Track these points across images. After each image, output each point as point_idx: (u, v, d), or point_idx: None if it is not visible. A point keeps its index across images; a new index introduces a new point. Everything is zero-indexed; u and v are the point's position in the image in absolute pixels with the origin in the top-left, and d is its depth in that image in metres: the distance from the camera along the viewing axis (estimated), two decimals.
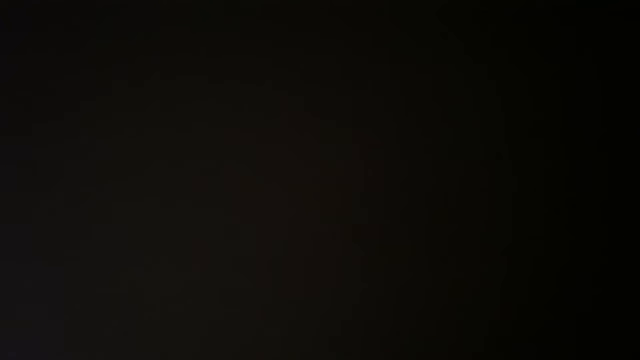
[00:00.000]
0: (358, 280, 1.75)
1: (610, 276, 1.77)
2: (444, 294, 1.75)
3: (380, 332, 1.75)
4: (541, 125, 1.78)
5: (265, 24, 1.78)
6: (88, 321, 1.73)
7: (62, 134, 1.76)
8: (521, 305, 1.76)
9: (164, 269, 1.74)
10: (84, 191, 1.75)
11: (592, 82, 1.79)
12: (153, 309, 1.73)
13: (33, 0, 1.77)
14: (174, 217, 1.75)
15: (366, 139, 1.77)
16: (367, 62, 1.78)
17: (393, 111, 1.78)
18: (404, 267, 1.76)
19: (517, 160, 1.78)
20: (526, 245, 1.76)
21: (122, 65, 1.77)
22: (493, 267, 1.76)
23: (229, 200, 1.75)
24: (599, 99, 1.79)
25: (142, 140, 1.76)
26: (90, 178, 1.75)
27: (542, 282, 1.76)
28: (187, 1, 1.78)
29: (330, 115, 1.78)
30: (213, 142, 1.76)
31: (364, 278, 1.75)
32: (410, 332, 1.75)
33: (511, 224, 1.77)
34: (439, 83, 1.78)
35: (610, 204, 1.77)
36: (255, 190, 1.76)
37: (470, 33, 1.79)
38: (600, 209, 1.77)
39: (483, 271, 1.76)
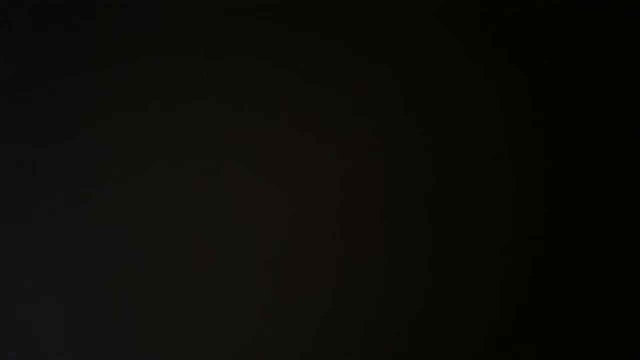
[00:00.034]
0: (358, 280, 1.75)
1: (610, 276, 1.77)
2: (444, 294, 1.75)
3: (380, 332, 1.75)
4: (541, 125, 1.78)
5: (265, 24, 1.78)
6: (88, 321, 1.73)
7: (62, 134, 1.76)
8: (521, 305, 1.76)
9: (164, 269, 1.74)
10: (84, 191, 1.75)
11: (592, 82, 1.79)
12: (153, 309, 1.73)
13: (33, 0, 1.77)
14: (174, 217, 1.75)
15: (366, 139, 1.77)
16: (367, 62, 1.78)
17: (393, 111, 1.78)
18: (404, 267, 1.76)
19: (517, 160, 1.78)
20: (526, 245, 1.76)
21: (122, 65, 1.77)
22: (493, 267, 1.76)
23: (229, 200, 1.75)
24: (599, 99, 1.79)
25: (142, 140, 1.76)
26: (90, 178, 1.75)
27: (542, 282, 1.76)
28: (187, 1, 1.78)
29: (330, 115, 1.78)
30: (213, 142, 1.76)
31: (364, 278, 1.75)
32: (410, 332, 1.75)
33: (511, 224, 1.77)
34: (439, 83, 1.78)
35: (610, 204, 1.77)
36: (255, 190, 1.76)
37: (470, 33, 1.79)
38: (600, 209, 1.77)
39: (483, 271, 1.76)
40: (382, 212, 1.76)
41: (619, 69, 1.79)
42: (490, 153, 1.78)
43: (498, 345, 1.75)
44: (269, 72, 1.78)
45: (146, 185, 1.75)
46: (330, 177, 1.77)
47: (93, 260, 1.74)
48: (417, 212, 1.76)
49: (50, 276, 1.73)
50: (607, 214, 1.77)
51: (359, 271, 1.75)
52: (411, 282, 1.76)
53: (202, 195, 1.75)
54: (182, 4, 1.78)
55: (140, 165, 1.76)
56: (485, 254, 1.76)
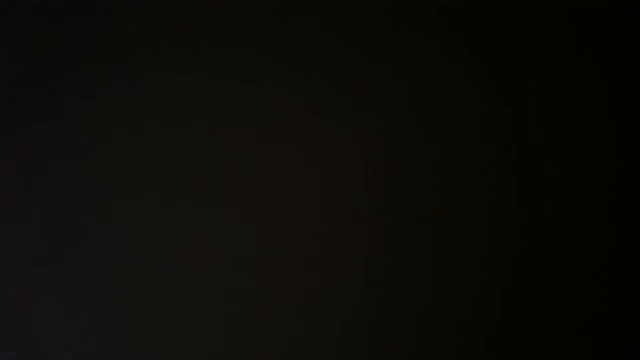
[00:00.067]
0: (358, 280, 1.75)
1: (611, 276, 1.76)
2: (444, 294, 1.75)
3: (380, 332, 1.75)
4: (541, 125, 1.78)
5: (265, 24, 1.78)
6: (88, 321, 1.73)
7: (62, 134, 1.76)
8: (521, 305, 1.75)
9: (164, 269, 1.74)
10: (84, 191, 1.75)
11: (592, 82, 1.79)
12: (153, 309, 1.73)
13: (33, 0, 1.77)
14: (174, 217, 1.75)
15: (366, 139, 1.77)
16: (367, 62, 1.78)
17: (393, 111, 1.78)
18: (404, 267, 1.76)
19: (517, 160, 1.78)
20: (526, 245, 1.76)
21: (122, 65, 1.77)
22: (493, 267, 1.76)
23: (229, 200, 1.75)
24: (599, 99, 1.79)
25: (142, 140, 1.76)
26: (90, 178, 1.75)
27: (542, 282, 1.76)
28: (187, 1, 1.78)
29: (330, 115, 1.78)
30: (213, 142, 1.76)
31: (364, 278, 1.75)
32: (410, 332, 1.75)
33: (511, 223, 1.77)
34: (439, 83, 1.78)
35: (610, 204, 1.77)
36: (255, 190, 1.76)
37: (470, 33, 1.79)
38: (601, 209, 1.77)
39: (483, 271, 1.76)
40: (382, 212, 1.76)
41: (619, 69, 1.79)
42: (490, 153, 1.78)
43: (498, 345, 1.75)
44: (269, 72, 1.78)
45: (146, 185, 1.75)
46: (330, 177, 1.77)
47: (93, 260, 1.74)
48: (417, 212, 1.76)
49: (50, 276, 1.73)
50: (608, 214, 1.77)
51: (359, 271, 1.75)
52: (411, 282, 1.75)
53: (202, 195, 1.75)
54: (182, 4, 1.78)
55: (140, 165, 1.76)
56: (485, 254, 1.76)
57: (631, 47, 1.79)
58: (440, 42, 1.79)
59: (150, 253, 1.74)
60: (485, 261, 1.76)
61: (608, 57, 1.79)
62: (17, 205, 1.74)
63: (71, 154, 1.75)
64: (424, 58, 1.79)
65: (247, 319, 1.74)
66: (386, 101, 1.78)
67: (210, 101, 1.77)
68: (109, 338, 1.73)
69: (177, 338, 1.73)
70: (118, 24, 1.77)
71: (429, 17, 1.79)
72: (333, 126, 1.77)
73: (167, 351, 1.73)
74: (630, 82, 1.79)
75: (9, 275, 1.73)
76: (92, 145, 1.76)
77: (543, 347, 1.75)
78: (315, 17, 1.78)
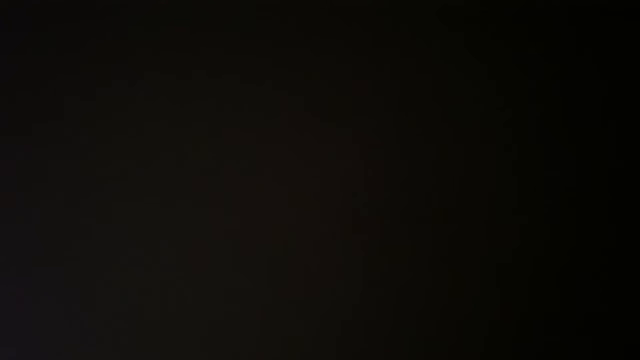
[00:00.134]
0: (358, 280, 1.75)
1: (611, 276, 1.76)
2: (444, 294, 1.75)
3: (380, 332, 1.75)
4: (541, 125, 1.78)
5: (265, 24, 1.78)
6: (88, 321, 1.73)
7: (62, 134, 1.76)
8: (521, 305, 1.76)
9: (164, 269, 1.74)
10: (84, 191, 1.75)
11: (592, 82, 1.79)
12: (153, 309, 1.73)
13: (33, 0, 1.77)
14: (174, 217, 1.75)
15: (366, 139, 1.77)
16: (367, 62, 1.78)
17: (393, 111, 1.78)
18: (404, 267, 1.76)
19: (517, 160, 1.78)
20: (526, 245, 1.76)
21: (122, 65, 1.77)
22: (493, 267, 1.76)
23: (229, 200, 1.75)
24: (599, 99, 1.79)
25: (142, 140, 1.76)
26: (90, 178, 1.75)
27: (542, 282, 1.76)
28: (187, 1, 1.78)
29: (330, 115, 1.78)
30: (213, 142, 1.76)
31: (364, 278, 1.75)
32: (410, 332, 1.75)
33: (511, 224, 1.77)
34: (439, 83, 1.78)
35: (610, 204, 1.77)
36: (255, 190, 1.76)
37: (470, 33, 1.79)
38: (601, 209, 1.77)
39: (483, 271, 1.76)
40: (382, 212, 1.76)
41: (619, 69, 1.79)
42: (490, 153, 1.78)
43: (498, 345, 1.75)
44: (269, 72, 1.78)
45: (146, 185, 1.75)
46: (330, 177, 1.77)
47: (93, 260, 1.74)
48: (417, 212, 1.76)
49: (50, 276, 1.73)
50: (608, 214, 1.77)
51: (359, 271, 1.75)
52: (411, 282, 1.75)
53: (202, 195, 1.75)
54: (182, 4, 1.78)
55: (140, 165, 1.76)
56: (485, 254, 1.76)
57: (631, 47, 1.79)
58: (440, 42, 1.79)
59: (150, 253, 1.74)
60: (485, 261, 1.76)
61: (608, 57, 1.79)
62: (17, 205, 1.74)
63: (71, 154, 1.75)
64: (424, 58, 1.79)
65: (247, 319, 1.74)
66: (386, 101, 1.78)
67: (210, 101, 1.77)
68: (109, 338, 1.73)
69: (177, 338, 1.73)
70: (118, 24, 1.77)
71: (429, 17, 1.79)
72: (333, 126, 1.77)
73: (167, 351, 1.73)
74: (630, 82, 1.79)
75: (9, 275, 1.73)
76: (92, 145, 1.76)
77: (543, 347, 1.75)
78: (315, 17, 1.78)
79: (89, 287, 1.73)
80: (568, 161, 1.78)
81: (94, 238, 1.74)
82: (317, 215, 1.76)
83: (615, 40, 1.79)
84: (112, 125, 1.76)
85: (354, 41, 1.78)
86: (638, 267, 1.77)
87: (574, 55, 1.79)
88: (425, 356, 1.75)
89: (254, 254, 1.75)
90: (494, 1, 1.79)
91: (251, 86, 1.77)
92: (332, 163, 1.77)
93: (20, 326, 1.72)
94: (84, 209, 1.74)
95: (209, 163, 1.76)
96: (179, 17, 1.78)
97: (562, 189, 1.77)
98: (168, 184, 1.75)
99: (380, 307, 1.75)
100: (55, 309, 1.73)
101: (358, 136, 1.77)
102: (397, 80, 1.78)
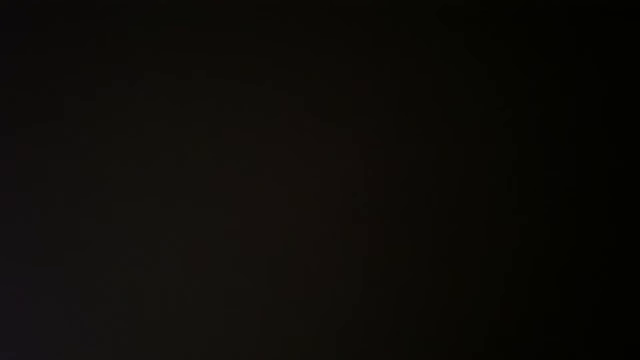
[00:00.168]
0: (358, 280, 1.75)
1: (611, 276, 1.76)
2: (444, 294, 1.75)
3: (380, 332, 1.75)
4: (541, 125, 1.78)
5: (266, 24, 1.78)
6: (88, 321, 1.73)
7: (62, 134, 1.76)
8: (521, 305, 1.75)
9: (164, 269, 1.74)
10: (84, 191, 1.75)
11: (592, 82, 1.79)
12: (153, 309, 1.73)
13: (33, 0, 1.77)
14: (174, 217, 1.75)
15: (366, 139, 1.77)
16: (367, 62, 1.78)
17: (393, 111, 1.78)
18: (404, 267, 1.76)
19: (517, 160, 1.78)
20: (526, 245, 1.76)
21: (122, 65, 1.77)
22: (493, 267, 1.76)
23: (229, 200, 1.75)
24: (599, 99, 1.79)
25: (142, 140, 1.76)
26: (90, 178, 1.75)
27: (542, 282, 1.76)
28: (187, 1, 1.78)
29: (330, 115, 1.78)
30: (213, 142, 1.76)
31: (364, 278, 1.75)
32: (410, 332, 1.75)
33: (511, 223, 1.77)
34: (439, 83, 1.78)
35: (610, 204, 1.77)
36: (255, 190, 1.76)
37: (470, 33, 1.79)
38: (601, 209, 1.77)
39: (483, 271, 1.76)
40: (382, 212, 1.76)
41: (619, 69, 1.79)
42: (490, 153, 1.78)
43: (498, 345, 1.75)
44: (269, 72, 1.78)
45: (146, 185, 1.75)
46: (330, 177, 1.77)
47: (93, 260, 1.74)
48: (417, 212, 1.76)
49: (50, 276, 1.73)
50: (608, 214, 1.77)
51: (359, 271, 1.75)
52: (411, 282, 1.75)
53: (202, 195, 1.75)
54: (182, 4, 1.78)
55: (140, 165, 1.76)
56: (485, 254, 1.76)
57: (631, 47, 1.79)
58: (440, 42, 1.79)
59: (150, 253, 1.74)
60: (485, 261, 1.76)
61: (608, 57, 1.79)
62: (17, 205, 1.74)
63: (71, 154, 1.75)
64: (424, 58, 1.79)
65: (247, 319, 1.74)
66: (386, 101, 1.78)
67: (210, 101, 1.77)
68: (109, 338, 1.73)
69: (177, 338, 1.73)
70: (118, 24, 1.77)
71: (429, 17, 1.79)
72: (333, 126, 1.77)
73: (167, 351, 1.73)
74: (630, 82, 1.79)
75: (9, 275, 1.73)
76: (92, 145, 1.76)
77: (543, 347, 1.75)
78: (315, 17, 1.78)
79: (89, 287, 1.73)
80: (568, 161, 1.78)
81: (94, 238, 1.74)
82: (317, 215, 1.76)
83: (615, 40, 1.79)
84: (112, 125, 1.76)
85: (354, 41, 1.78)
86: (638, 267, 1.77)
87: (574, 55, 1.79)
88: (425, 356, 1.75)
89: (254, 254, 1.75)
90: (494, 1, 1.79)
91: (251, 86, 1.77)
92: (332, 163, 1.77)
93: (20, 326, 1.72)
94: (84, 209, 1.74)
95: (209, 163, 1.76)
96: (179, 17, 1.78)
97: (562, 189, 1.77)
98: (168, 184, 1.75)
99: (380, 307, 1.75)
100: (55, 309, 1.73)
101: (358, 136, 1.77)
102: (397, 80, 1.78)
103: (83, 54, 1.77)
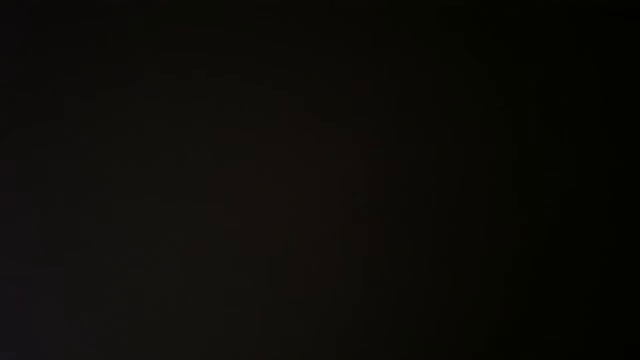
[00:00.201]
0: (358, 280, 1.75)
1: (611, 276, 1.76)
2: (444, 294, 1.75)
3: (380, 332, 1.75)
4: (541, 125, 1.78)
5: (266, 24, 1.78)
6: (88, 321, 1.73)
7: (62, 134, 1.76)
8: (521, 305, 1.75)
9: (164, 269, 1.74)
10: (84, 191, 1.75)
11: (592, 82, 1.79)
12: (153, 309, 1.73)
13: (33, 0, 1.77)
14: (174, 217, 1.75)
15: (366, 139, 1.77)
16: (367, 62, 1.78)
17: (393, 111, 1.78)
18: (404, 267, 1.76)
19: (517, 160, 1.78)
20: (526, 245, 1.76)
21: (122, 65, 1.77)
22: (493, 267, 1.76)
23: (229, 200, 1.75)
24: (599, 99, 1.79)
25: (142, 140, 1.76)
26: (90, 178, 1.75)
27: (542, 282, 1.76)
28: (187, 1, 1.78)
29: (330, 115, 1.78)
30: (213, 142, 1.76)
31: (364, 278, 1.75)
32: (410, 332, 1.75)
33: (511, 223, 1.77)
34: (439, 83, 1.78)
35: (610, 204, 1.77)
36: (255, 190, 1.76)
37: (470, 33, 1.79)
38: (601, 209, 1.77)
39: (483, 271, 1.76)
40: (382, 212, 1.76)
41: (619, 69, 1.79)
42: (490, 153, 1.78)
43: (498, 345, 1.75)
44: (269, 72, 1.78)
45: (146, 185, 1.75)
46: (330, 177, 1.77)
47: (93, 260, 1.74)
48: (417, 212, 1.76)
49: (50, 276, 1.73)
50: (608, 214, 1.77)
51: (359, 271, 1.75)
52: (411, 282, 1.75)
53: (202, 196, 1.75)
54: (182, 4, 1.78)
55: (140, 165, 1.76)
56: (485, 254, 1.76)
57: (631, 47, 1.79)
58: (440, 42, 1.79)
59: (150, 253, 1.74)
60: (485, 261, 1.76)
61: (608, 57, 1.79)
62: (17, 205, 1.74)
63: (71, 154, 1.75)
64: (424, 58, 1.79)
65: (247, 319, 1.74)
66: (386, 101, 1.78)
67: (210, 101, 1.77)
68: (109, 338, 1.73)
69: (177, 338, 1.73)
70: (118, 24, 1.77)
71: (429, 17, 1.79)
72: (333, 126, 1.77)
73: (167, 351, 1.73)
74: (630, 82, 1.79)
75: (9, 275, 1.73)
76: (92, 145, 1.76)
77: (543, 347, 1.75)
78: (315, 17, 1.78)
79: (89, 287, 1.73)
80: (568, 161, 1.78)
81: (94, 238, 1.74)
82: (317, 215, 1.76)
83: (615, 40, 1.79)
84: (112, 125, 1.76)
85: (354, 41, 1.78)
86: (638, 267, 1.77)
87: (574, 55, 1.79)
88: (425, 356, 1.75)
89: (254, 254, 1.75)
90: (494, 1, 1.79)
91: (251, 86, 1.77)
92: (332, 163, 1.77)
93: (20, 326, 1.72)
94: (84, 209, 1.74)
95: (209, 163, 1.76)
96: (179, 17, 1.78)
97: (562, 189, 1.77)
98: (168, 184, 1.75)
99: (380, 307, 1.75)
100: (55, 309, 1.73)
101: (358, 136, 1.77)
102: (397, 80, 1.78)
103: (83, 54, 1.77)
